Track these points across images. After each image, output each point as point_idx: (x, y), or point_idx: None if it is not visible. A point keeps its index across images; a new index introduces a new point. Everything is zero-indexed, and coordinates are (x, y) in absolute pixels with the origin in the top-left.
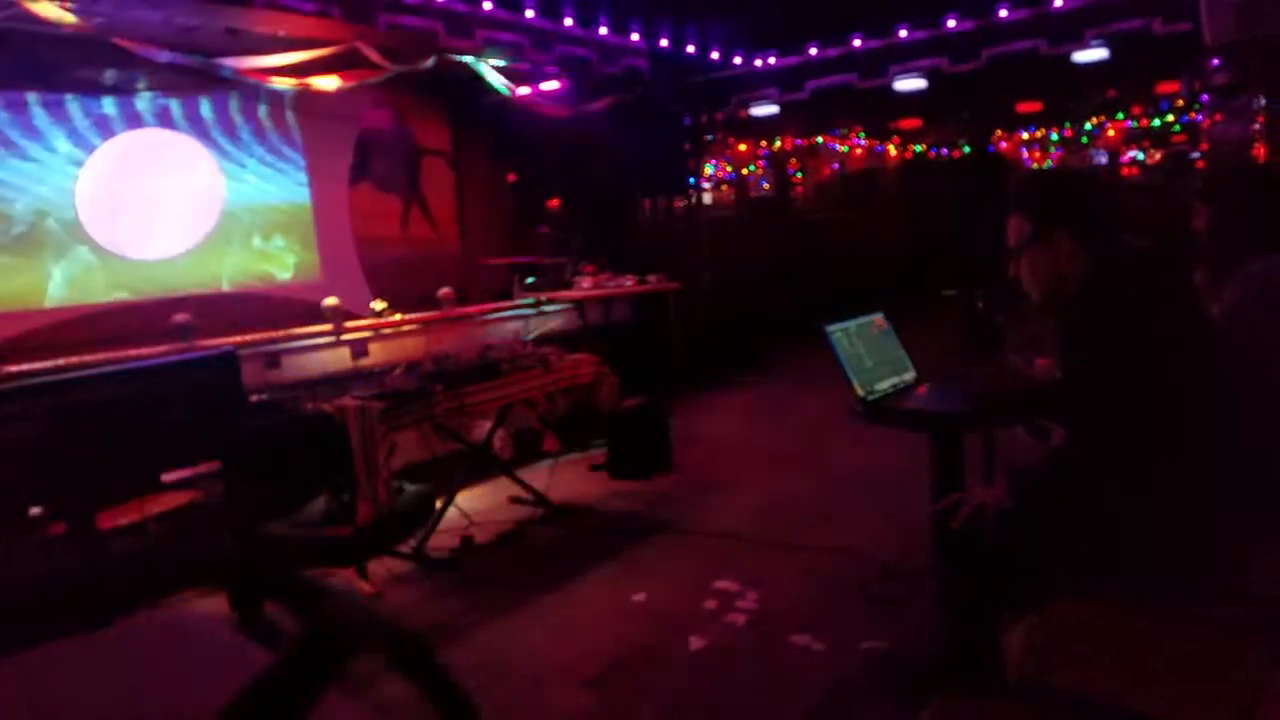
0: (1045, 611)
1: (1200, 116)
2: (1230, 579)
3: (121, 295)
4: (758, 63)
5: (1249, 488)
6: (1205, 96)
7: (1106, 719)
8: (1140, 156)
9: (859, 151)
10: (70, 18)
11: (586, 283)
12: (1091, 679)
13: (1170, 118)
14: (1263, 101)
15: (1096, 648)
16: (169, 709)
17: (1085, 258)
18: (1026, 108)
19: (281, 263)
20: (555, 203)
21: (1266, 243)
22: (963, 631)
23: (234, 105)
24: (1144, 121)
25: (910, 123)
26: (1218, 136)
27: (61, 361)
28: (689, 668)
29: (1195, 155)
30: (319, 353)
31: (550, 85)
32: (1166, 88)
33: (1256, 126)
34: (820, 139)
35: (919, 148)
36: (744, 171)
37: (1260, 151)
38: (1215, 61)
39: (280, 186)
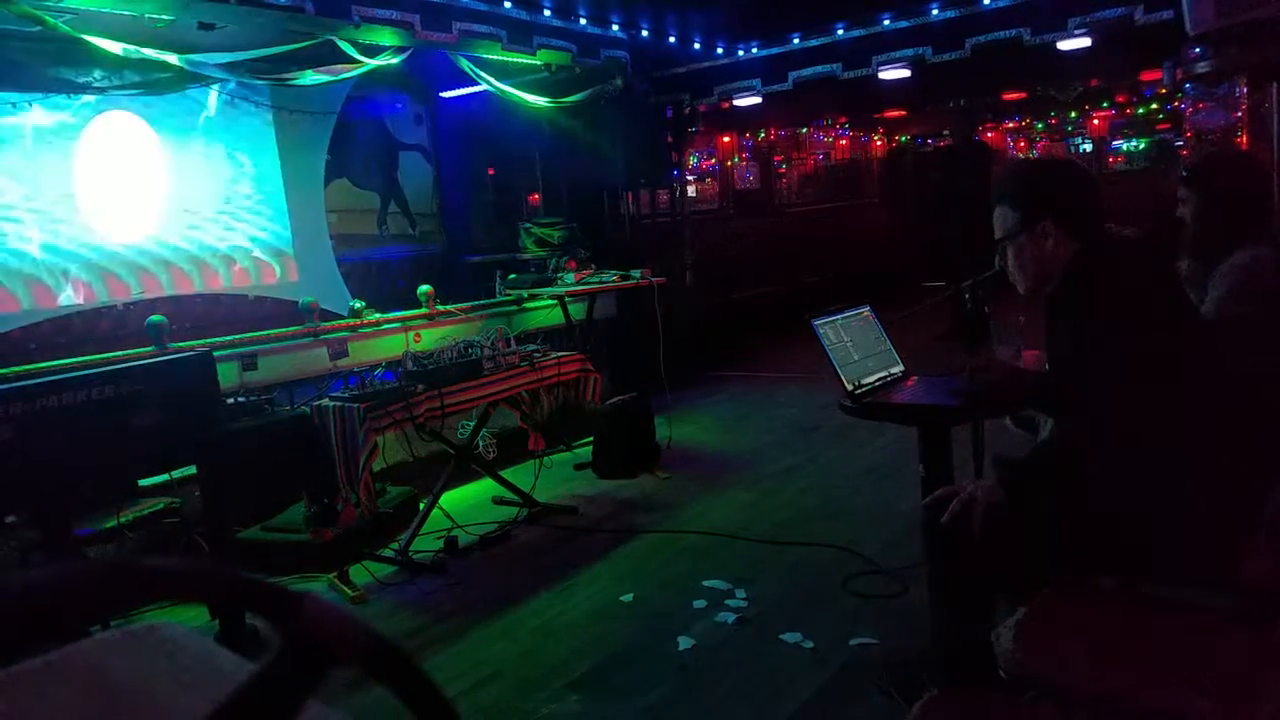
0: (1035, 604)
1: (1184, 105)
2: (1220, 569)
3: (94, 296)
4: (740, 53)
5: (1238, 477)
6: (1188, 85)
7: (1097, 711)
8: (1125, 145)
9: (843, 142)
10: None
11: (570, 279)
12: (1082, 671)
13: (1154, 106)
14: (1245, 90)
15: (1087, 640)
16: None
17: (1072, 247)
18: (1011, 97)
19: (256, 262)
20: (536, 198)
21: (1251, 231)
22: (953, 626)
23: (206, 100)
24: (1128, 110)
25: (894, 113)
26: (1201, 125)
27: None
28: (679, 668)
29: (1179, 143)
30: (296, 354)
31: (530, 77)
32: (1150, 76)
33: (1239, 115)
34: (804, 130)
35: (904, 138)
36: (728, 164)
37: (1244, 140)
38: (1196, 50)
39: (254, 183)
